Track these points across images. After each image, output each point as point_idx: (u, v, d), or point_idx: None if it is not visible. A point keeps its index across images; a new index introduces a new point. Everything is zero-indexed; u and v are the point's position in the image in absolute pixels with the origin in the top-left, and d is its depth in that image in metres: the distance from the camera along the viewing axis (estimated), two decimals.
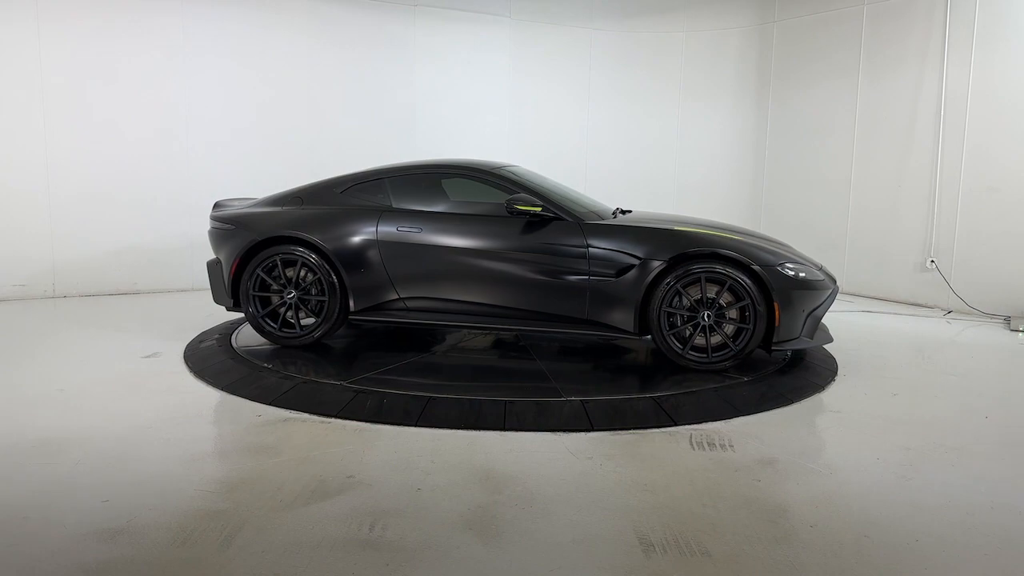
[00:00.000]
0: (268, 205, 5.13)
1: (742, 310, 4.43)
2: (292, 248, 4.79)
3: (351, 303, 4.80)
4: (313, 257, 4.77)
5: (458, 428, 3.59)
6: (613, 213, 5.12)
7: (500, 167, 5.09)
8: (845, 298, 7.84)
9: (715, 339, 4.50)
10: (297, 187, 5.24)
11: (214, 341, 5.09)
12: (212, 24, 7.47)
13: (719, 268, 4.40)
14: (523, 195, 4.73)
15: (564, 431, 3.57)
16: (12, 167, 6.82)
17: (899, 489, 3.00)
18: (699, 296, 4.44)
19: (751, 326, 4.40)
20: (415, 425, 3.61)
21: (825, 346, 5.17)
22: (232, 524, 2.57)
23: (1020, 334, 6.10)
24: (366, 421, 3.66)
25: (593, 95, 9.45)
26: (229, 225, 5.02)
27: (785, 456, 3.33)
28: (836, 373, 4.73)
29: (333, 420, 3.69)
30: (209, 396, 4.11)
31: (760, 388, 4.25)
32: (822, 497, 2.89)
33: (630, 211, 5.35)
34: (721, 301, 4.45)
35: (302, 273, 4.83)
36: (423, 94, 8.57)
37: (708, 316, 4.43)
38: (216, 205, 5.39)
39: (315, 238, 4.75)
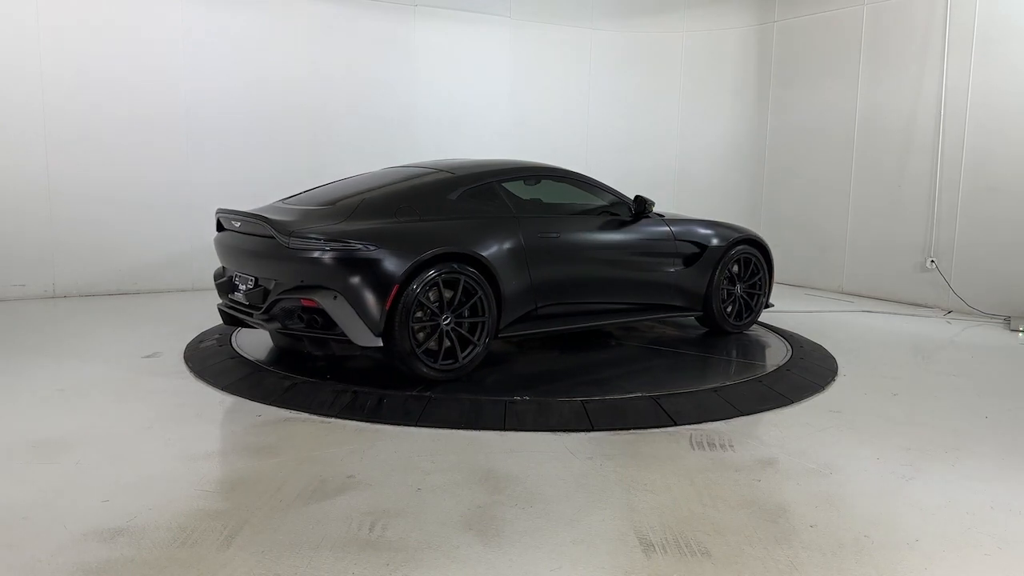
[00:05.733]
0: (361, 217, 4.21)
1: (757, 281, 5.56)
2: (459, 267, 4.18)
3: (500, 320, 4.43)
4: (475, 274, 4.25)
5: (458, 428, 3.59)
6: None
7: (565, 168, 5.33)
8: (845, 298, 7.84)
9: (732, 307, 5.50)
10: (379, 193, 4.47)
11: (214, 341, 5.08)
12: (213, 24, 7.46)
13: (752, 250, 5.50)
14: (641, 195, 5.12)
15: (564, 431, 3.57)
16: (12, 167, 6.81)
17: (899, 489, 3.00)
18: (730, 275, 5.42)
19: (764, 292, 5.62)
20: (415, 425, 3.61)
21: (825, 346, 5.37)
22: (232, 524, 2.57)
23: (1020, 334, 6.10)
24: (366, 421, 3.66)
25: (593, 95, 9.44)
26: (366, 244, 4.02)
27: (785, 456, 3.33)
28: (836, 373, 4.73)
29: (333, 420, 3.68)
30: (209, 396, 4.10)
31: (760, 388, 4.25)
32: (822, 497, 2.89)
33: None
34: (741, 276, 5.51)
35: (448, 293, 4.20)
36: (423, 94, 8.55)
37: (740, 288, 5.49)
38: (284, 227, 4.11)
39: (480, 252, 4.28)
